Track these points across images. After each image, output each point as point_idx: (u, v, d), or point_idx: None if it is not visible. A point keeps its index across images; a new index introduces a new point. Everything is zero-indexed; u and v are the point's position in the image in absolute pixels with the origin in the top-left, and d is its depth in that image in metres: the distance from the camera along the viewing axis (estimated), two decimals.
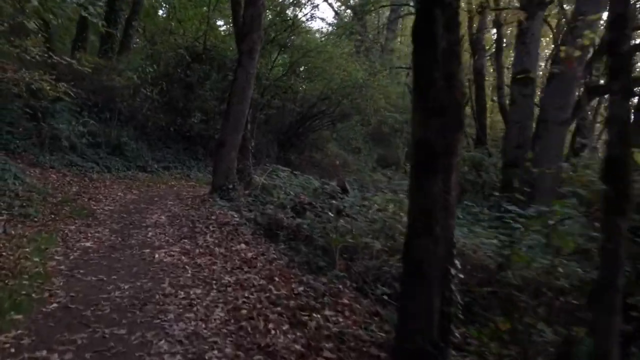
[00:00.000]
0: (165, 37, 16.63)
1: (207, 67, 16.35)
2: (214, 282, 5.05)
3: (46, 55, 8.72)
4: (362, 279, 4.99)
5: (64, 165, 11.54)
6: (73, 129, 12.32)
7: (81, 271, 5.20)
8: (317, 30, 26.82)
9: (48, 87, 8.46)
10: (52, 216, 7.82)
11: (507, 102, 13.50)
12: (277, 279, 5.14)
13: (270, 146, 19.38)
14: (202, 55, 16.79)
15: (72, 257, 5.76)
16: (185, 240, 7.12)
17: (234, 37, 20.05)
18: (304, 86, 18.91)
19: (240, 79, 10.49)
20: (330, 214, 7.36)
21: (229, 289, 4.78)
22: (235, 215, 8.66)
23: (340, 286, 4.80)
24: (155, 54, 16.12)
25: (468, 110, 22.92)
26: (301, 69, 19.35)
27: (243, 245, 6.93)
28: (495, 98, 18.80)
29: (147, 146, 14.89)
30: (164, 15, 20.82)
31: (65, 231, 7.13)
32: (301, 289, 4.84)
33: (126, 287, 4.74)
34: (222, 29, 21.13)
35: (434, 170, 3.57)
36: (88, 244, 6.56)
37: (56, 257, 5.65)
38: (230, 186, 10.38)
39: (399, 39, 35.41)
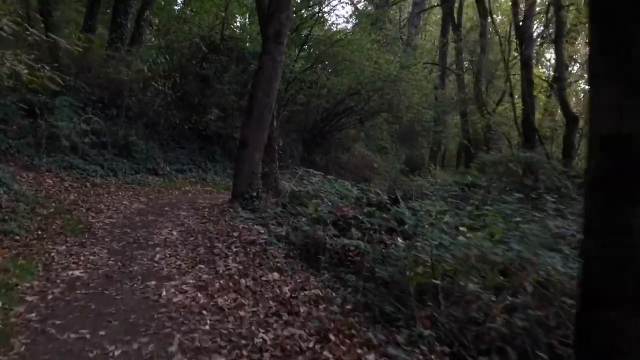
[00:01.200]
0: (180, 25, 15.26)
1: (226, 59, 14.97)
2: (244, 342, 3.59)
3: (27, 33, 7.23)
4: (458, 340, 3.47)
5: (62, 169, 10.23)
6: (75, 127, 11.03)
7: (58, 323, 3.79)
8: (334, 24, 25.28)
9: (26, 71, 7.01)
10: (39, 233, 6.48)
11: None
12: (333, 337, 3.65)
13: (295, 146, 17.94)
14: (219, 46, 15.43)
15: (50, 297, 4.35)
16: (202, 267, 5.69)
17: (254, 26, 18.83)
18: (331, 80, 17.36)
19: (265, 68, 9.05)
20: (386, 235, 5.87)
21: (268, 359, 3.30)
22: (262, 232, 7.23)
23: (433, 357, 3.28)
24: (168, 44, 14.76)
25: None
26: (326, 62, 17.82)
27: (276, 275, 5.48)
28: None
29: (158, 146, 13.55)
30: (179, 8, 19.56)
31: (52, 254, 5.78)
32: (372, 358, 3.33)
33: (117, 353, 3.30)
34: (239, 22, 19.76)
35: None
36: (77, 274, 5.16)
37: (28, 298, 4.25)
38: (254, 194, 8.96)
39: (420, 36, 33.82)
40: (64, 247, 6.11)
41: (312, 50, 17.67)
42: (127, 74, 12.66)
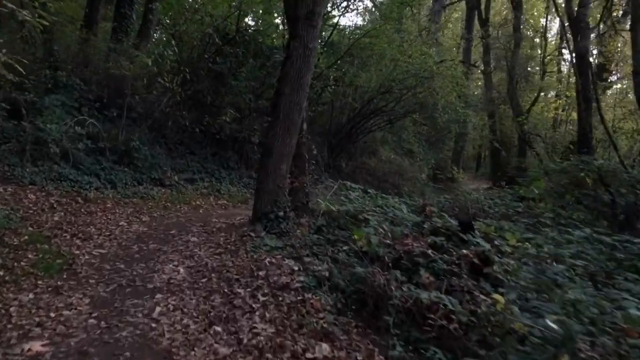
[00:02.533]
0: (190, 14, 13.73)
1: (242, 51, 13.38)
2: None
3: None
4: None
5: (49, 180, 8.75)
6: (66, 131, 9.55)
7: None
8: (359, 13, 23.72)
9: None
10: (0, 274, 4.94)
11: None
12: None
13: (319, 151, 16.32)
14: (235, 38, 13.85)
15: None
16: (218, 330, 4.12)
17: (271, 16, 17.29)
18: (359, 77, 15.73)
19: (295, 57, 7.47)
20: (470, 279, 4.24)
21: None
22: (296, 268, 5.64)
23: None
24: (176, 35, 13.23)
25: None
26: (354, 56, 16.18)
27: (325, 347, 3.88)
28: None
29: (165, 152, 12.04)
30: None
31: (10, 308, 4.27)
32: None
33: None
34: (255, 11, 18.20)
35: None
36: (37, 347, 3.62)
37: None
38: (281, 213, 7.36)
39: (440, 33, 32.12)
40: (31, 296, 4.61)
41: (340, 42, 16.01)
42: (129, 68, 11.17)
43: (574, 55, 15.44)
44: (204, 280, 5.28)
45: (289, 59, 7.55)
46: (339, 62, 14.92)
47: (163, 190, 10.69)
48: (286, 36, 14.01)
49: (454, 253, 5.11)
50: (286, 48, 7.78)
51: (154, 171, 11.07)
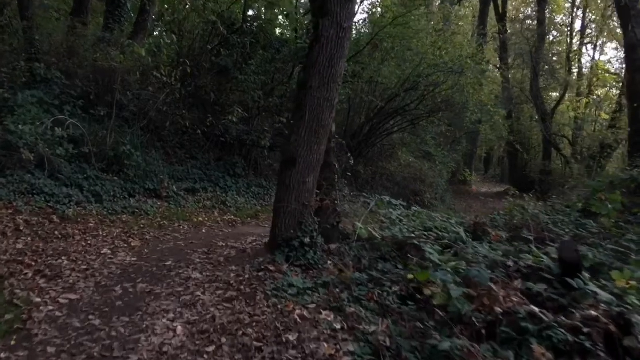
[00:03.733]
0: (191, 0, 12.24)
1: (250, 41, 11.87)
2: None
3: None
4: None
5: (19, 194, 7.27)
6: (43, 133, 8.05)
7: None
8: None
9: None
10: None
11: None
12: None
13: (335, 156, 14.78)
14: (242, 27, 12.35)
15: None
16: None
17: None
18: (380, 71, 14.20)
19: (325, 39, 5.98)
20: None
21: None
22: (338, 326, 4.12)
23: None
24: (175, 23, 11.72)
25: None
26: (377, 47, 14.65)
27: None
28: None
29: (161, 158, 10.56)
30: None
31: None
32: None
33: None
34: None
35: None
36: None
37: None
38: (307, 240, 5.87)
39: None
40: None
41: (359, 32, 14.49)
42: (120, 60, 9.69)
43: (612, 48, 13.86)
44: (211, 348, 3.75)
45: (317, 42, 6.03)
46: (361, 53, 13.33)
47: (159, 204, 9.19)
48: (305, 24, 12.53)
49: (575, 313, 3.57)
50: (313, 29, 6.25)
51: (149, 180, 9.57)
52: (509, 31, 30.93)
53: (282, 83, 13.16)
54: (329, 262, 5.86)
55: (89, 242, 6.44)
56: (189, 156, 11.46)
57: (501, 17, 29.00)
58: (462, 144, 24.98)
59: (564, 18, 31.57)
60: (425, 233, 5.92)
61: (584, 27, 30.38)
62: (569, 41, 30.28)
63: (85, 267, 5.50)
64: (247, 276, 5.43)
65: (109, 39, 10.57)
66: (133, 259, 6.02)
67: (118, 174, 9.21)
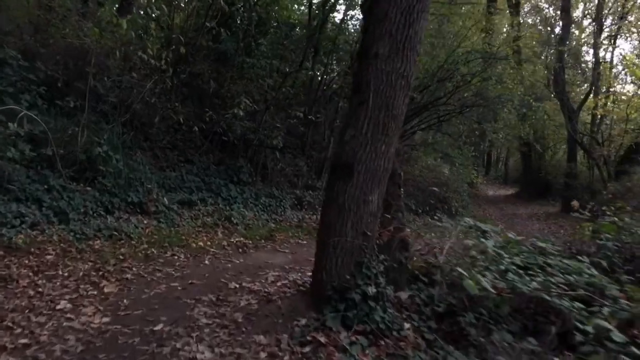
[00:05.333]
0: None
1: (258, 17, 9.88)
2: None
3: None
4: None
5: None
6: None
7: None
8: None
9: None
10: None
11: None
12: None
13: None
14: (247, 3, 10.35)
15: None
16: None
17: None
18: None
19: None
20: None
21: None
22: None
23: None
24: None
25: None
26: None
27: None
28: None
29: (148, 162, 8.58)
30: None
31: None
32: None
33: None
34: None
35: None
36: None
37: None
38: (371, 289, 3.91)
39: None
40: None
41: None
42: (95, 35, 7.66)
43: None
44: None
45: None
46: None
47: (146, 222, 7.19)
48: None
49: None
50: None
51: (132, 191, 7.57)
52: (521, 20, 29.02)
53: (295, 71, 11.20)
54: (406, 325, 3.89)
55: (41, 289, 4.44)
56: (183, 159, 9.46)
57: (514, 6, 27.09)
58: (483, 144, 23.08)
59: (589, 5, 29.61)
60: (552, 281, 3.94)
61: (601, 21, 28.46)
62: (597, 31, 28.27)
63: (24, 340, 3.50)
64: (284, 346, 3.47)
65: (82, 11, 8.56)
66: (104, 319, 4.02)
67: (91, 183, 7.21)
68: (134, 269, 5.42)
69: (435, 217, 14.37)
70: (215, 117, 9.54)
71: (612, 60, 29.06)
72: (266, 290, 4.94)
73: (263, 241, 7.61)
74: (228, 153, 10.22)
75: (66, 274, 4.91)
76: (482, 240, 4.62)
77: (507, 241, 4.95)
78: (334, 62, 11.94)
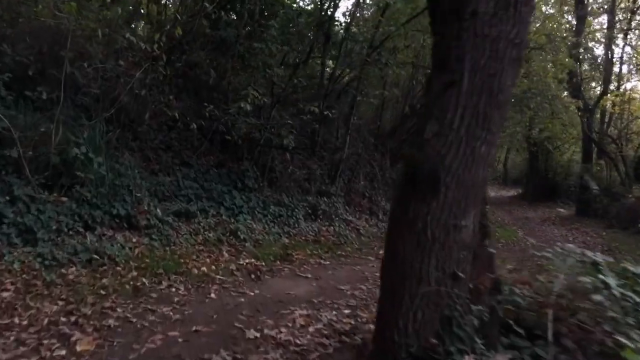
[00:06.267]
0: None
1: None
2: None
3: None
4: None
5: None
6: None
7: None
8: None
9: None
10: None
11: None
12: None
13: (369, 160, 11.65)
14: None
15: None
16: None
17: None
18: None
19: None
20: None
21: None
22: None
23: None
24: None
25: None
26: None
27: None
28: None
29: (138, 165, 7.33)
30: None
31: None
32: None
33: None
34: None
35: None
36: None
37: None
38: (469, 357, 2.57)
39: None
40: None
41: None
42: (73, 12, 6.34)
43: None
44: None
45: None
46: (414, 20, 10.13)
47: (135, 240, 5.91)
48: None
49: None
50: None
51: (118, 201, 6.28)
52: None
53: (303, 61, 9.95)
54: None
55: None
56: (179, 162, 8.17)
57: None
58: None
59: None
60: None
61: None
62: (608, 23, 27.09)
63: None
64: None
65: None
66: None
67: (67, 192, 5.92)
68: (118, 309, 4.14)
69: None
70: (216, 113, 8.25)
71: (622, 57, 27.89)
72: (298, 341, 3.68)
73: (278, 262, 6.34)
74: (230, 154, 8.95)
75: (25, 322, 3.64)
76: (601, 276, 3.38)
77: (624, 274, 3.71)
78: (350, 51, 10.67)
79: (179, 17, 7.25)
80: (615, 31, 26.31)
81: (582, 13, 24.41)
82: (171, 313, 4.22)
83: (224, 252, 6.30)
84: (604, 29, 25.99)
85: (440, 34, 2.97)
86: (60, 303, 4.07)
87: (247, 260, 6.10)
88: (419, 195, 2.83)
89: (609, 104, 25.38)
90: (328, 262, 6.87)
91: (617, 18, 26.71)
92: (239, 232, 7.02)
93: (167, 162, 8.03)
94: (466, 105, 2.75)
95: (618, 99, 25.85)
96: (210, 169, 8.45)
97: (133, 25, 8.22)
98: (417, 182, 2.86)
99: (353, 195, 10.52)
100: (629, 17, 26.14)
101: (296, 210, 8.65)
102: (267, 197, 8.61)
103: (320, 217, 9.00)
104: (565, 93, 22.46)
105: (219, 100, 8.75)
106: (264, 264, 6.11)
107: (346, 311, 4.61)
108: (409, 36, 10.61)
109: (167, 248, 5.98)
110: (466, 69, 2.74)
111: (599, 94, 25.19)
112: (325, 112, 8.96)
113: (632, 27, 26.96)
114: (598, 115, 24.51)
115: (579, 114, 23.36)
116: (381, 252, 8.22)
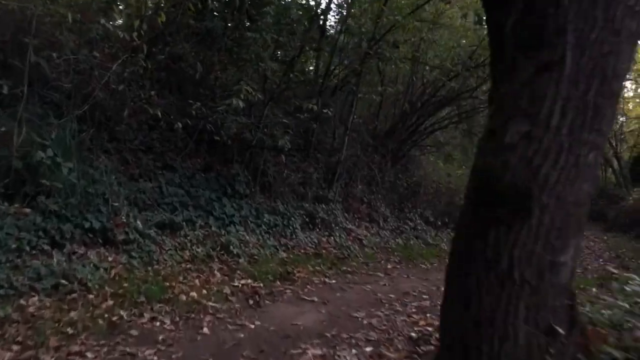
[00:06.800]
0: None
1: None
2: None
3: None
4: None
5: None
6: None
7: None
8: None
9: None
10: None
11: None
12: None
13: (369, 163, 10.91)
14: None
15: None
16: None
17: None
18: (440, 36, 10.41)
19: None
20: None
21: None
22: None
23: None
24: None
25: None
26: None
27: None
28: None
29: (115, 169, 6.48)
30: None
31: None
32: None
33: None
34: None
35: None
36: None
37: None
38: None
39: None
40: None
41: None
42: None
43: None
44: None
45: None
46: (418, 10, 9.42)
47: (111, 259, 5.07)
48: None
49: None
50: None
51: (92, 213, 5.44)
52: None
53: (297, 55, 9.15)
54: None
55: None
56: (162, 165, 7.32)
57: None
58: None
59: None
60: None
61: None
62: None
63: None
64: None
65: None
66: None
67: (31, 202, 5.07)
68: (89, 354, 3.32)
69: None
70: (203, 110, 7.42)
71: None
72: None
73: (278, 282, 5.53)
74: (219, 157, 8.13)
75: None
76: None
77: None
78: (346, 44, 9.92)
79: (162, 3, 6.39)
80: None
81: None
82: (155, 358, 3.40)
83: (216, 271, 5.48)
84: None
85: (520, 3, 2.20)
86: (15, 348, 3.24)
87: (242, 281, 5.28)
88: (502, 220, 2.06)
89: None
90: (334, 281, 6.08)
91: None
92: (231, 246, 6.20)
93: (149, 166, 7.18)
94: (569, 96, 2.00)
95: None
96: (196, 173, 7.62)
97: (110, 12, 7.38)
98: (497, 203, 2.09)
99: (351, 200, 9.77)
100: None
101: (292, 219, 7.85)
102: (260, 205, 7.80)
103: (319, 226, 8.22)
104: None
105: (205, 96, 7.93)
106: (262, 285, 5.30)
107: (368, 349, 3.84)
108: (409, 29, 9.86)
109: (149, 268, 5.15)
110: (569, 45, 1.98)
111: None
112: (325, 110, 8.17)
113: None
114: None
115: None
116: (389, 266, 7.48)
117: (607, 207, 20.43)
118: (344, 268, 6.81)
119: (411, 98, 11.57)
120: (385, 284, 6.15)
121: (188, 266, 5.47)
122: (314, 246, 7.43)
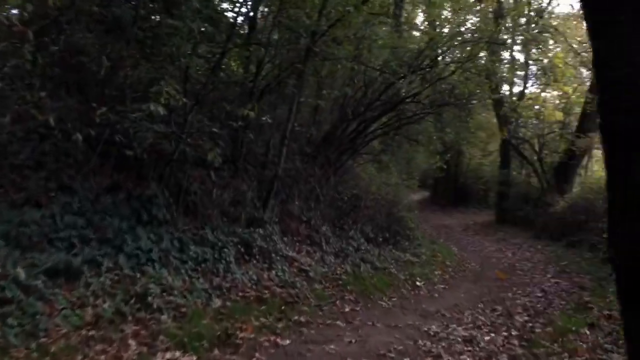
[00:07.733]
0: None
1: None
2: None
3: None
4: None
5: None
6: None
7: None
8: None
9: None
10: None
11: None
12: None
13: (305, 175, 9.77)
14: None
15: None
16: None
17: None
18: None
19: None
20: None
21: None
22: None
23: None
24: None
25: None
26: None
27: None
28: None
29: None
30: None
31: None
32: None
33: None
34: None
35: None
36: None
37: None
38: None
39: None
40: None
41: None
42: None
43: None
44: None
45: None
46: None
47: None
48: None
49: None
50: None
51: None
52: None
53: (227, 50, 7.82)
54: None
55: None
56: (56, 186, 5.79)
57: None
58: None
59: None
60: None
61: None
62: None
63: None
64: None
65: None
66: None
67: None
68: None
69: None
70: (111, 117, 5.95)
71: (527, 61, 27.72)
72: None
73: (217, 351, 4.21)
74: (130, 174, 6.66)
75: None
76: None
77: None
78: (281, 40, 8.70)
79: None
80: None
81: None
82: None
83: (129, 339, 4.08)
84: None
85: None
86: None
87: (167, 355, 3.92)
88: None
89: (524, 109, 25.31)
90: (287, 341, 4.84)
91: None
92: (149, 296, 4.81)
93: (38, 188, 5.62)
94: None
95: (527, 102, 25.81)
96: (101, 195, 6.10)
97: None
98: None
99: (288, 220, 8.57)
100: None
101: (225, 249, 6.52)
102: (185, 233, 6.42)
103: (256, 256, 6.93)
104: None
105: (113, 99, 6.45)
106: (195, 358, 3.97)
107: None
108: (352, 25, 8.83)
109: (33, 343, 3.67)
110: None
111: (516, 98, 25.02)
112: (264, 118, 6.93)
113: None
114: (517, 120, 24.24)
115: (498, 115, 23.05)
116: (347, 308, 6.29)
117: (533, 212, 20.55)
118: (295, 317, 5.57)
119: (353, 102, 10.56)
120: (351, 341, 5.01)
121: (90, 333, 4.04)
122: (254, 286, 6.13)
